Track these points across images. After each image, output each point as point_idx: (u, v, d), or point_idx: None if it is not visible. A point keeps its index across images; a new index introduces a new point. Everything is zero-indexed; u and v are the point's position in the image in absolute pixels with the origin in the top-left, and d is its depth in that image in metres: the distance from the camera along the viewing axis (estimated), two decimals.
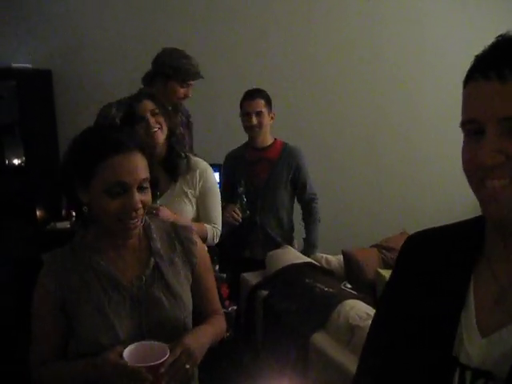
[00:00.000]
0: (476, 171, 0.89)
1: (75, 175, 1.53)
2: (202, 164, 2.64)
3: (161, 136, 2.49)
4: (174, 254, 1.70)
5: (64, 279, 1.56)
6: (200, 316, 1.75)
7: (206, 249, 1.87)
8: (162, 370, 1.41)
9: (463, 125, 0.91)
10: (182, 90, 3.17)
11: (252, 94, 3.42)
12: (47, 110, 4.34)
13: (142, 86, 3.22)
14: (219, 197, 2.71)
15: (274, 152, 3.52)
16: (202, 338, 1.62)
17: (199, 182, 2.59)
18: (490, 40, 0.89)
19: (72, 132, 3.40)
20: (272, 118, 3.46)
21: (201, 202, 2.62)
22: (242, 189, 3.31)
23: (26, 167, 4.14)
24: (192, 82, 3.18)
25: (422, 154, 4.85)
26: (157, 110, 2.49)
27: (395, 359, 1.05)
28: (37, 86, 4.25)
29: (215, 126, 4.29)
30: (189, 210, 2.59)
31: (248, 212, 3.36)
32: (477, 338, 0.94)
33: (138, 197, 1.50)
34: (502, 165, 0.87)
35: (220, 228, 2.69)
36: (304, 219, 3.69)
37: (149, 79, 3.22)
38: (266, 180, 3.48)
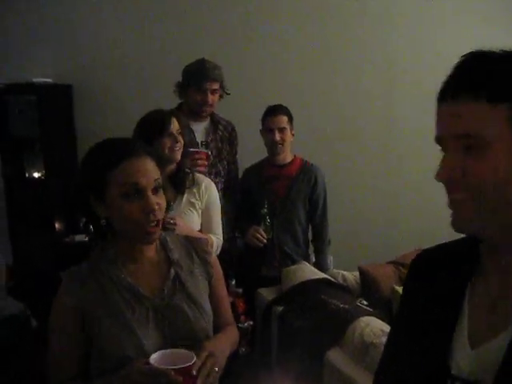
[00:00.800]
0: (444, 185, 0.97)
1: (89, 191, 1.56)
2: (206, 179, 2.88)
3: (179, 154, 2.69)
4: (193, 264, 1.72)
5: (84, 296, 1.55)
6: (214, 326, 1.75)
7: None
8: (194, 372, 1.42)
9: (437, 143, 0.98)
10: (199, 97, 3.21)
11: (275, 110, 3.42)
12: (67, 124, 4.40)
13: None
14: (220, 209, 2.90)
15: (293, 169, 3.52)
16: (222, 345, 1.65)
17: (205, 194, 2.79)
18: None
19: (90, 145, 3.46)
20: (293, 135, 3.47)
21: (205, 213, 2.81)
22: (265, 210, 3.29)
23: (45, 180, 4.20)
24: (210, 86, 3.19)
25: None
26: (180, 130, 2.69)
27: (399, 373, 1.08)
28: (57, 101, 4.33)
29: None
30: (196, 220, 2.78)
31: (272, 233, 3.36)
32: (467, 349, 0.97)
33: (153, 199, 1.53)
34: (458, 180, 0.92)
35: (222, 239, 2.87)
36: (313, 241, 3.68)
37: (178, 92, 3.32)
38: (284, 197, 3.48)
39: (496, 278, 0.98)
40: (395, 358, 1.12)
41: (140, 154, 1.55)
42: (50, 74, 4.26)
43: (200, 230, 2.78)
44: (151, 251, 1.67)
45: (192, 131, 3.29)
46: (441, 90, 0.95)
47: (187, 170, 2.78)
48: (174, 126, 2.68)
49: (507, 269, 0.97)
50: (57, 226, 4.20)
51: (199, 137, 3.33)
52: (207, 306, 1.69)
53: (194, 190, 2.76)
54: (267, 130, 3.42)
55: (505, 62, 0.91)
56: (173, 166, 2.71)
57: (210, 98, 3.22)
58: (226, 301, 1.86)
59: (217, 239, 2.81)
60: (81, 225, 4.24)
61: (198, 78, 3.20)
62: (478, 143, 0.90)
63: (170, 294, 1.63)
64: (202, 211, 2.79)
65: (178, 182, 2.72)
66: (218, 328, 1.76)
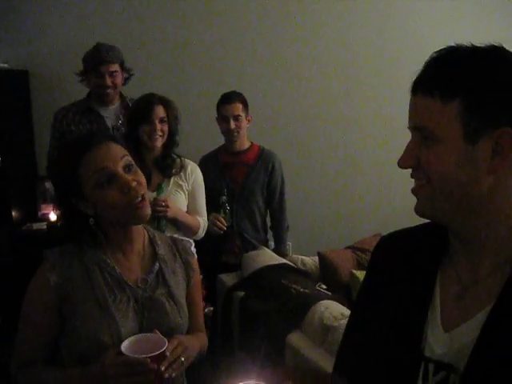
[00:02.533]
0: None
1: (68, 195, 1.57)
2: (191, 163, 2.96)
3: (160, 142, 2.77)
4: (176, 263, 1.75)
5: (66, 276, 1.55)
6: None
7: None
8: (168, 354, 1.43)
9: None
10: (98, 81, 3.25)
11: (230, 98, 3.40)
12: (24, 110, 4.31)
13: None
14: (204, 192, 2.98)
15: (250, 156, 3.52)
16: (193, 341, 1.67)
17: (191, 177, 2.89)
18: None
19: (48, 133, 3.43)
20: (249, 121, 3.47)
21: (191, 195, 2.90)
22: (224, 197, 3.30)
23: (1, 168, 4.11)
24: (106, 69, 3.21)
25: (397, 157, 4.90)
26: (165, 118, 2.75)
27: (368, 355, 1.10)
28: (13, 87, 4.23)
29: (190, 129, 4.31)
30: (184, 202, 2.87)
31: (232, 220, 3.37)
32: (440, 332, 1.00)
33: (126, 176, 1.53)
34: (417, 168, 1.00)
35: (207, 221, 2.98)
36: (272, 227, 3.72)
37: (82, 80, 3.35)
38: (242, 184, 3.49)
39: (465, 263, 1.02)
40: (362, 340, 1.15)
41: (99, 142, 1.55)
42: (5, 59, 4.17)
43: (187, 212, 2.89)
44: (139, 241, 1.68)
45: (102, 117, 3.34)
46: (412, 84, 1.00)
47: (174, 155, 2.85)
48: (157, 113, 2.72)
49: (474, 254, 1.00)
50: (14, 214, 4.13)
51: (109, 121, 3.35)
52: (185, 305, 1.71)
53: (181, 173, 2.86)
54: (222, 117, 3.41)
55: (463, 59, 0.95)
56: (157, 152, 2.80)
57: (109, 80, 3.24)
58: (199, 307, 1.87)
59: (203, 221, 2.94)
60: (39, 213, 4.20)
61: (93, 63, 3.23)
62: (431, 136, 0.96)
63: (152, 287, 1.64)
64: (188, 193, 2.88)
65: (163, 167, 2.81)
66: (188, 333, 1.77)
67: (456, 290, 1.02)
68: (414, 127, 1.00)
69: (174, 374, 1.48)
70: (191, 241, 2.70)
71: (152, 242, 1.72)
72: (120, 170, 1.53)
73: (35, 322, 1.57)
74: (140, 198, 1.54)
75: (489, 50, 0.95)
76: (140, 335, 1.49)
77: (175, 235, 2.73)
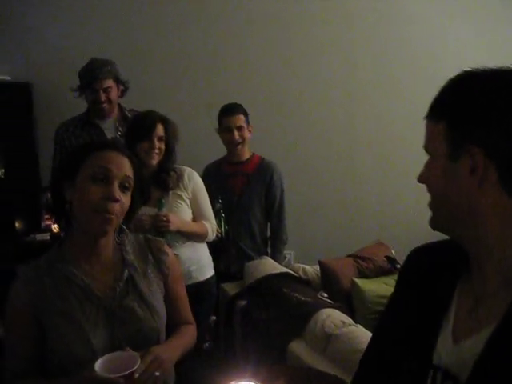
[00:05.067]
0: None
1: (65, 172, 1.64)
2: (187, 169, 2.95)
3: (157, 159, 2.80)
4: (147, 265, 1.76)
5: (38, 290, 1.58)
6: (172, 325, 1.80)
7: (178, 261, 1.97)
8: (137, 375, 1.43)
9: None
10: (93, 97, 3.32)
11: (232, 109, 3.45)
12: (27, 123, 4.34)
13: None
14: (207, 195, 3.00)
15: (250, 166, 3.56)
16: (171, 350, 1.67)
17: (189, 183, 2.89)
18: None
19: (51, 145, 3.47)
20: (250, 131, 3.51)
21: (194, 201, 2.92)
22: (219, 205, 3.33)
23: (4, 179, 4.14)
24: (100, 86, 3.27)
25: (396, 166, 4.93)
26: (163, 137, 2.78)
27: (383, 361, 1.15)
28: (16, 99, 4.26)
29: (189, 139, 4.33)
30: (187, 211, 2.89)
31: (227, 227, 3.40)
32: (449, 343, 1.03)
33: (118, 191, 1.58)
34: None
35: (215, 223, 3.01)
36: (270, 238, 3.73)
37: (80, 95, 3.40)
38: (240, 194, 3.52)
39: (478, 277, 1.05)
40: (383, 346, 1.19)
41: (120, 151, 1.65)
42: (8, 71, 4.20)
43: (193, 220, 2.92)
44: (107, 251, 1.70)
45: (101, 130, 3.40)
46: None
47: (171, 172, 2.87)
48: (157, 132, 2.76)
49: (483, 269, 1.03)
50: (17, 225, 4.16)
51: (109, 134, 3.41)
52: (160, 307, 1.73)
53: (178, 183, 2.87)
54: (225, 129, 3.45)
55: (458, 83, 1.02)
56: (153, 168, 2.82)
57: (103, 96, 3.31)
58: (184, 300, 1.89)
59: (210, 224, 2.96)
60: (42, 224, 4.22)
61: (87, 80, 3.29)
62: (428, 153, 1.05)
63: (122, 295, 1.66)
64: (190, 201, 2.90)
65: (160, 182, 2.83)
66: (176, 326, 1.82)
67: (470, 303, 1.05)
68: (423, 146, 1.08)
69: None
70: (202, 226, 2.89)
71: (121, 248, 1.74)
72: (118, 181, 1.59)
73: (17, 338, 1.60)
74: (112, 216, 1.58)
75: (491, 72, 1.00)
76: (113, 353, 1.49)
77: (187, 243, 2.78)
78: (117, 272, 1.69)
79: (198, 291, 2.71)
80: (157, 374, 1.52)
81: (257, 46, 4.61)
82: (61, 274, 1.61)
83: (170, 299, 1.80)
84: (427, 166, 1.06)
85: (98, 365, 1.43)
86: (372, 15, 4.76)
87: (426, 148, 1.06)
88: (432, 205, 1.08)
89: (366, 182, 4.94)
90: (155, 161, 2.79)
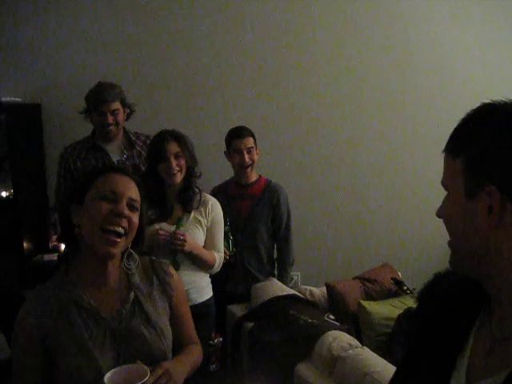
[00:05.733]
0: None
1: (72, 196, 1.67)
2: (213, 199, 3.00)
3: (179, 177, 2.81)
4: (152, 287, 1.78)
5: (45, 315, 1.58)
6: (178, 346, 1.82)
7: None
8: None
9: None
10: (99, 120, 3.35)
11: (242, 132, 3.48)
12: (36, 143, 4.39)
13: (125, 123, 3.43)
14: (223, 228, 3.03)
15: (257, 188, 3.58)
16: (180, 365, 1.70)
17: (211, 213, 2.92)
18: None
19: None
20: (257, 154, 3.54)
21: (210, 231, 2.94)
22: (227, 227, 3.33)
23: (14, 200, 4.17)
24: (107, 109, 3.31)
25: (404, 190, 4.94)
26: (180, 153, 2.79)
27: None
28: (26, 120, 4.31)
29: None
30: (201, 238, 2.91)
31: (234, 250, 3.41)
32: (462, 382, 1.00)
33: (126, 208, 1.62)
34: None
35: (223, 257, 3.03)
36: (277, 260, 3.74)
37: (86, 117, 3.45)
38: (247, 216, 3.54)
39: (497, 317, 1.01)
40: (401, 379, 1.17)
41: (126, 174, 1.69)
42: (18, 93, 4.26)
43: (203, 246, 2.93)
44: (114, 275, 1.71)
45: (106, 153, 3.43)
46: None
47: (196, 189, 2.91)
48: (171, 150, 2.78)
49: (503, 309, 1.00)
50: (25, 245, 4.18)
51: (114, 156, 3.44)
52: (166, 329, 1.74)
53: (201, 209, 2.90)
54: (236, 151, 3.47)
55: (475, 118, 1.00)
56: (178, 186, 2.85)
57: (110, 118, 3.34)
58: (189, 320, 1.91)
59: (219, 256, 2.97)
60: (50, 245, 4.24)
61: (95, 103, 3.33)
62: (446, 189, 1.03)
63: (128, 317, 1.67)
64: (207, 229, 2.92)
65: (185, 200, 2.87)
66: (181, 347, 1.83)
67: (487, 344, 1.01)
68: (441, 181, 1.06)
69: None
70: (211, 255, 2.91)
71: (126, 271, 1.75)
72: (125, 201, 1.63)
73: (23, 363, 1.60)
74: (121, 230, 1.60)
75: (510, 107, 0.98)
76: (123, 366, 1.51)
77: (191, 269, 2.81)
78: (123, 295, 1.71)
79: (197, 313, 2.72)
80: None
81: (267, 71, 4.64)
82: (68, 297, 1.62)
83: (175, 320, 1.82)
84: (445, 201, 1.04)
85: (107, 377, 1.44)
86: (374, 19, 4.78)
87: (444, 183, 1.04)
88: (451, 243, 1.05)
89: (372, 204, 4.94)
90: (178, 179, 2.81)
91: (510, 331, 0.97)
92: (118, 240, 1.61)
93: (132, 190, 1.67)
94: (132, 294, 1.71)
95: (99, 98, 3.30)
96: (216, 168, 3.93)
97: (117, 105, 3.36)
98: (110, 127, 3.37)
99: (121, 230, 1.61)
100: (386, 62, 4.81)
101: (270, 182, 3.64)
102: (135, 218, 1.66)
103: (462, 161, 0.98)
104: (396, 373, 1.21)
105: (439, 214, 1.06)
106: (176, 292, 1.83)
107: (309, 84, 4.71)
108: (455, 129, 1.02)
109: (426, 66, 4.84)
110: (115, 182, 1.64)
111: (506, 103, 0.97)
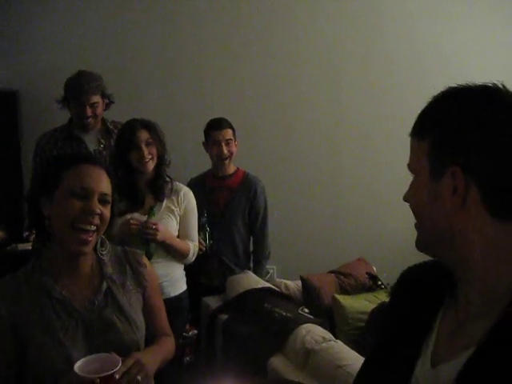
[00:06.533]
0: None
1: (42, 190, 1.63)
2: (185, 187, 2.98)
3: (151, 165, 2.79)
4: (126, 277, 1.77)
5: (16, 305, 1.57)
6: (150, 337, 1.81)
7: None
8: (117, 376, 1.43)
9: None
10: (78, 111, 3.28)
11: (221, 124, 3.48)
12: (11, 131, 4.33)
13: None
14: (197, 217, 3.00)
15: (235, 180, 3.58)
16: (152, 355, 1.69)
17: (183, 201, 2.89)
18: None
19: None
20: (236, 146, 3.54)
21: (183, 220, 2.91)
22: (204, 219, 3.33)
23: None
24: (87, 101, 3.24)
25: (380, 184, 4.97)
26: (151, 140, 2.77)
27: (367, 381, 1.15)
28: (1, 107, 4.26)
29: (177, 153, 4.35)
30: (174, 227, 2.88)
31: (211, 241, 3.40)
32: (427, 366, 1.02)
33: (97, 205, 1.60)
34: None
35: (197, 245, 3.01)
36: (253, 252, 3.74)
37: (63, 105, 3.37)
38: (223, 208, 3.54)
39: (461, 300, 1.03)
40: (370, 368, 1.19)
41: (97, 164, 1.66)
42: None
43: (177, 236, 2.90)
44: (86, 265, 1.70)
45: (83, 142, 3.37)
46: None
47: (167, 178, 2.88)
48: (142, 138, 2.75)
49: (466, 291, 1.01)
50: None
51: (91, 146, 3.38)
52: (139, 320, 1.74)
53: (173, 197, 2.88)
54: (214, 143, 3.47)
55: (440, 101, 1.02)
56: (150, 175, 2.82)
57: (89, 111, 3.28)
58: (162, 312, 1.90)
59: (193, 245, 2.95)
60: (24, 234, 4.19)
61: (74, 94, 3.26)
62: (412, 172, 1.05)
63: (100, 307, 1.66)
64: (180, 217, 2.90)
65: (156, 190, 2.84)
66: (154, 338, 1.82)
67: (451, 327, 1.03)
68: (407, 165, 1.07)
69: None
70: (186, 245, 2.89)
71: (99, 261, 1.75)
72: (96, 196, 1.60)
73: None
74: (92, 228, 1.60)
75: (473, 89, 1.00)
76: (94, 355, 1.50)
77: (165, 259, 2.80)
78: (95, 285, 1.70)
79: (171, 306, 2.71)
80: (138, 377, 1.52)
81: (250, 59, 4.65)
82: (40, 286, 1.61)
83: (148, 311, 1.81)
84: (412, 185, 1.05)
85: (77, 365, 1.43)
86: (369, 16, 4.82)
87: (410, 166, 1.06)
88: (417, 225, 1.06)
89: (348, 199, 4.97)
90: (150, 167, 2.79)
91: (472, 314, 0.99)
92: (90, 238, 1.60)
93: (103, 183, 1.64)
94: (104, 284, 1.70)
95: (79, 90, 3.22)
96: (194, 160, 3.91)
97: (97, 98, 3.28)
98: (89, 120, 3.31)
99: (93, 227, 1.60)
100: (369, 56, 4.83)
101: (248, 174, 3.64)
102: (107, 212, 1.65)
103: (429, 142, 1.00)
104: (364, 364, 1.23)
105: (406, 199, 1.07)
106: (149, 283, 1.83)
107: (290, 76, 4.72)
108: (421, 112, 1.04)
109: (407, 63, 4.88)
110: (85, 176, 1.61)
111: (470, 86, 1.00)
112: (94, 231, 1.61)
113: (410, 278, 1.20)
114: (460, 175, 0.95)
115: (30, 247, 4.01)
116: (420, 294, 1.13)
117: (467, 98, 0.99)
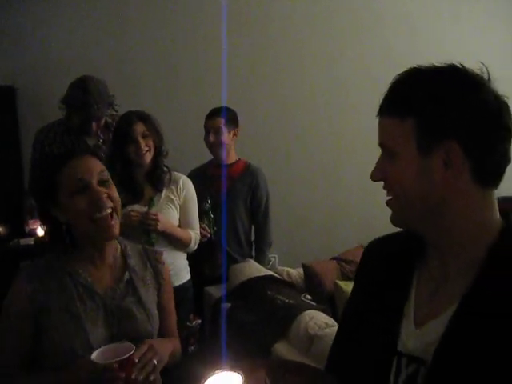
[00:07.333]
0: None
1: (46, 199, 1.66)
2: (183, 176, 2.99)
3: (149, 157, 2.80)
4: (146, 272, 1.81)
5: (40, 286, 1.60)
6: (158, 336, 1.81)
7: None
8: (136, 360, 1.48)
9: None
10: (82, 124, 3.21)
11: (213, 112, 3.49)
12: (10, 126, 4.32)
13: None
14: (197, 205, 3.01)
15: (236, 170, 3.59)
16: (164, 344, 1.73)
17: (183, 190, 2.91)
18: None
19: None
20: (235, 135, 3.53)
21: (183, 209, 2.93)
22: (208, 205, 3.34)
23: None
24: (95, 119, 3.20)
25: None
26: (147, 132, 2.77)
27: (350, 353, 1.19)
28: (0, 103, 4.24)
29: (181, 143, 4.34)
30: (175, 216, 2.90)
31: (215, 228, 3.41)
32: (411, 328, 1.08)
33: (100, 189, 1.62)
34: (385, 181, 1.10)
35: (198, 234, 3.01)
36: (255, 241, 3.76)
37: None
38: (225, 195, 3.53)
39: (437, 264, 1.10)
40: (348, 337, 1.22)
41: (80, 154, 1.68)
42: None
43: (178, 225, 2.92)
44: (111, 255, 1.74)
45: (82, 136, 3.34)
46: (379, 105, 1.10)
47: (165, 168, 2.89)
48: (138, 130, 2.76)
49: (443, 256, 1.08)
50: (1, 230, 4.14)
51: (89, 141, 3.36)
52: (155, 313, 1.77)
53: (172, 187, 2.89)
54: (205, 131, 3.49)
55: (418, 80, 1.04)
56: (148, 167, 2.83)
57: (95, 126, 3.26)
58: (172, 314, 1.93)
59: (195, 234, 2.97)
60: (26, 229, 4.20)
61: (80, 111, 3.18)
62: (392, 153, 1.06)
63: (121, 296, 1.70)
64: (179, 207, 2.91)
65: (155, 180, 2.85)
66: (162, 337, 1.83)
67: (429, 289, 1.10)
68: (380, 144, 1.09)
69: (151, 378, 1.54)
70: (188, 234, 2.90)
71: (123, 252, 1.79)
72: (94, 182, 1.62)
73: (11, 331, 1.61)
74: (109, 211, 1.62)
75: (446, 69, 1.04)
76: (110, 345, 1.54)
77: (167, 249, 2.81)
78: (118, 274, 1.75)
79: (176, 296, 2.72)
80: (154, 361, 1.56)
81: (245, 53, 4.64)
82: (65, 271, 1.65)
83: (160, 309, 1.83)
84: (385, 163, 1.08)
85: (94, 355, 1.47)
86: (369, 16, 4.85)
87: (384, 144, 1.08)
88: (397, 203, 1.10)
89: (349, 186, 4.98)
90: (147, 159, 2.80)
91: (451, 274, 1.07)
92: (112, 222, 1.63)
93: (93, 166, 1.65)
94: (127, 274, 1.75)
95: (87, 109, 3.14)
96: (195, 151, 3.91)
97: (103, 118, 3.26)
98: (91, 133, 3.30)
99: (108, 210, 1.63)
100: (370, 52, 4.85)
101: (250, 164, 3.65)
102: (112, 192, 1.67)
103: (413, 121, 1.02)
104: (341, 329, 1.29)
105: (378, 177, 1.11)
106: (166, 281, 1.86)
107: (293, 68, 4.73)
108: (393, 92, 1.06)
109: (408, 62, 4.85)
110: (75, 170, 1.62)
111: (431, 67, 1.04)
112: (111, 213, 1.63)
113: (377, 250, 1.27)
114: (455, 148, 0.99)
115: (32, 242, 4.03)
116: (390, 263, 1.18)
117: (446, 78, 1.03)
